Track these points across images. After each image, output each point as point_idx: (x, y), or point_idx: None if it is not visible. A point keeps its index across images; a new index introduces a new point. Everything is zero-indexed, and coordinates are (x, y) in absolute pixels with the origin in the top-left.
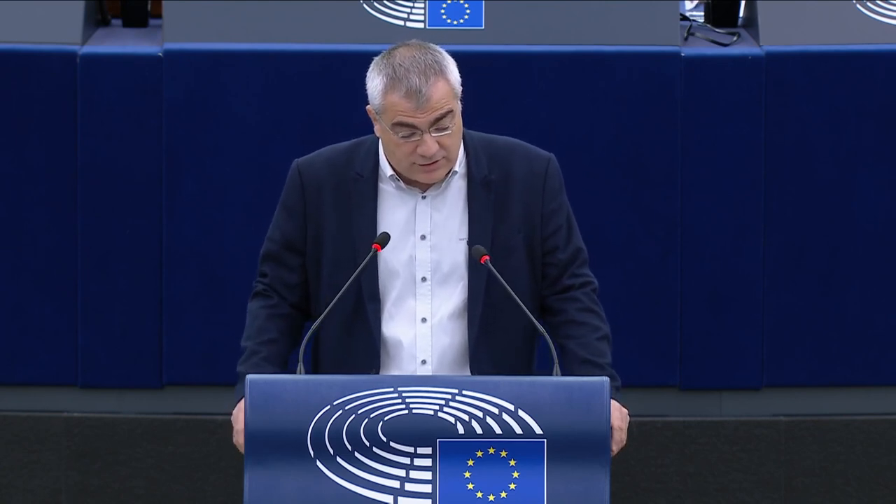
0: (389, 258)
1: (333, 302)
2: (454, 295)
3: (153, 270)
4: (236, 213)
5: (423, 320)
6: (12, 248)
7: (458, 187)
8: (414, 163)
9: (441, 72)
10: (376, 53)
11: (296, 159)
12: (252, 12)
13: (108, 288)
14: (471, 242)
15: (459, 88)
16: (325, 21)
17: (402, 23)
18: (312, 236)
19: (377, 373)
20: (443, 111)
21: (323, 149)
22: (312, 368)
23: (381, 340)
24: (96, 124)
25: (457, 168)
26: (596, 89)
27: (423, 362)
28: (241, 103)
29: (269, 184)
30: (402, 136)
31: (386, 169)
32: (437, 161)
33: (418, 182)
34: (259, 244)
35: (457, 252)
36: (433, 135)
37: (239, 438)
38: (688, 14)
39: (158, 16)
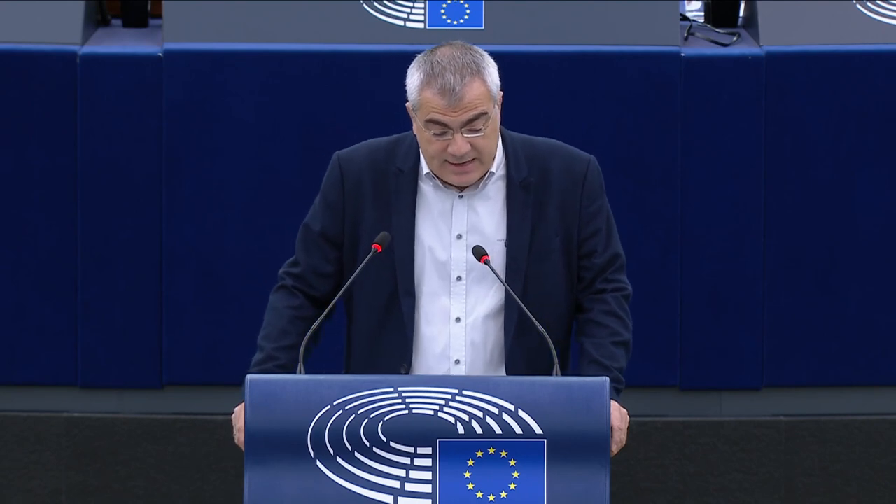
0: (425, 255)
1: (334, 301)
2: (489, 295)
3: (153, 270)
4: (236, 213)
5: (458, 320)
6: (12, 248)
7: (496, 188)
8: (445, 161)
9: (478, 73)
10: (376, 53)
11: (337, 151)
12: (252, 12)
13: (108, 288)
14: (510, 244)
15: (498, 92)
16: (325, 21)
17: (402, 23)
18: (350, 230)
19: (408, 369)
20: (475, 112)
21: (364, 142)
22: (346, 362)
23: (415, 337)
24: (96, 124)
25: (494, 169)
26: (596, 89)
27: (457, 362)
28: (241, 103)
29: (269, 184)
30: (434, 134)
31: (425, 166)
32: (467, 163)
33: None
34: (259, 244)
35: (494, 253)
36: (465, 135)
37: (240, 436)
38: (688, 14)
39: (158, 16)
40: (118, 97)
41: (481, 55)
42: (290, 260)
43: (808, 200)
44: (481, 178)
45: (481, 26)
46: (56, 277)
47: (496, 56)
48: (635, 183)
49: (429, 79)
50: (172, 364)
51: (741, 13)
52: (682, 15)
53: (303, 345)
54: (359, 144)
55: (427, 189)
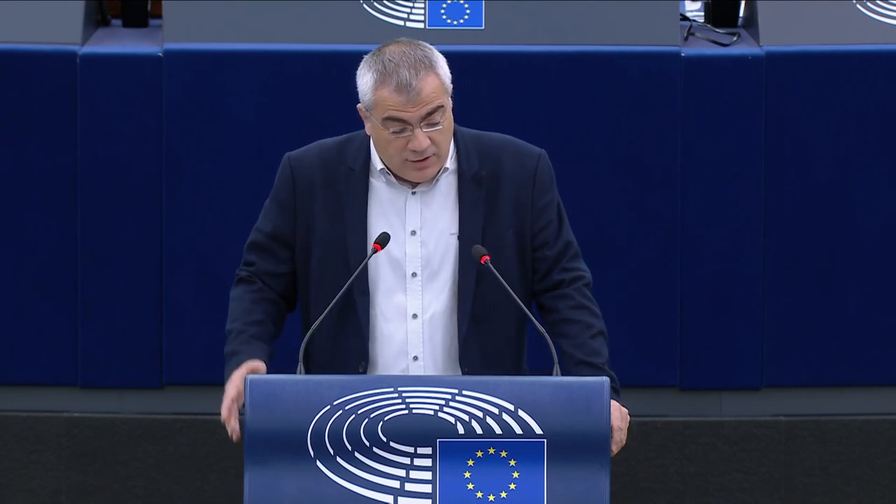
0: (379, 253)
1: (333, 302)
2: (445, 290)
3: (153, 270)
4: (236, 213)
5: (415, 316)
6: (12, 248)
7: (448, 183)
8: (406, 159)
9: (431, 66)
10: None
11: (287, 153)
12: (252, 12)
13: (108, 288)
14: (462, 238)
15: (450, 85)
16: (325, 21)
17: (402, 23)
18: (302, 231)
19: (365, 367)
20: (433, 105)
21: (314, 143)
22: (302, 360)
23: (372, 335)
24: (96, 124)
25: (448, 164)
26: (596, 89)
27: (415, 358)
28: (241, 103)
29: (269, 184)
30: (393, 132)
31: (377, 163)
32: (428, 158)
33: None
34: None
35: (447, 248)
36: (424, 130)
37: (225, 408)
38: (688, 14)
39: (158, 16)
40: (118, 97)
41: (430, 49)
42: (243, 261)
43: (808, 200)
44: (436, 173)
45: (481, 26)
46: (56, 277)
47: (496, 56)
48: (635, 183)
49: (383, 77)
50: (172, 364)
51: (741, 13)
52: (682, 15)
53: (302, 346)
54: (309, 145)
55: (379, 186)
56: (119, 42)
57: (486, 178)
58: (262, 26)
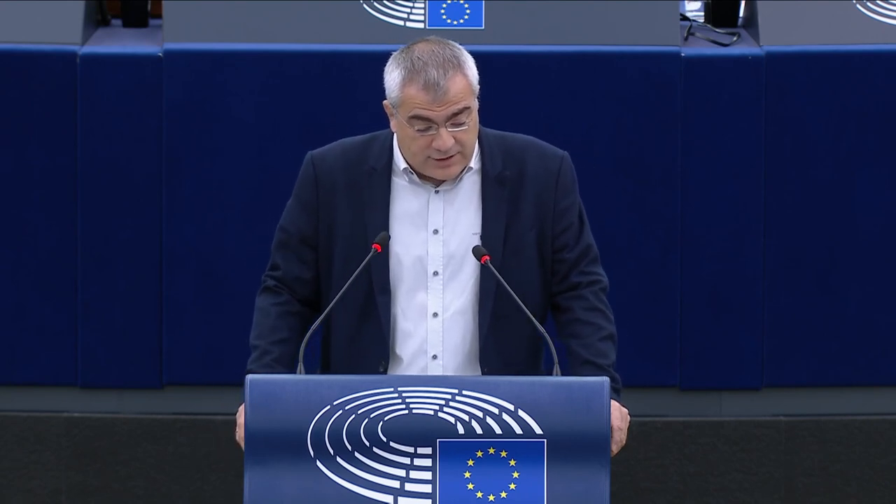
0: (401, 251)
1: (334, 301)
2: (466, 290)
3: (153, 270)
4: (236, 213)
5: (435, 315)
6: (12, 248)
7: (472, 182)
8: (429, 157)
9: (459, 67)
10: (376, 53)
11: (310, 151)
12: (252, 12)
13: (108, 288)
14: (484, 238)
15: (477, 86)
16: (325, 21)
17: (402, 23)
18: (325, 230)
19: (386, 366)
20: (459, 106)
21: (337, 142)
22: (322, 361)
23: (392, 334)
24: (96, 124)
25: (472, 164)
26: (596, 89)
27: (434, 357)
28: (241, 103)
29: (269, 184)
30: (419, 130)
31: (400, 162)
32: (451, 157)
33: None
34: (259, 244)
35: (469, 247)
36: (449, 129)
37: (241, 432)
38: (688, 14)
39: (158, 16)
40: (118, 97)
41: (459, 49)
42: (270, 264)
43: (808, 200)
44: (459, 172)
45: (481, 26)
46: (56, 277)
47: (496, 56)
48: (635, 183)
49: (411, 75)
50: (172, 364)
51: (741, 13)
52: (682, 15)
53: (302, 345)
54: (332, 144)
55: (402, 185)
56: (119, 42)
57: (510, 178)
58: (262, 26)
